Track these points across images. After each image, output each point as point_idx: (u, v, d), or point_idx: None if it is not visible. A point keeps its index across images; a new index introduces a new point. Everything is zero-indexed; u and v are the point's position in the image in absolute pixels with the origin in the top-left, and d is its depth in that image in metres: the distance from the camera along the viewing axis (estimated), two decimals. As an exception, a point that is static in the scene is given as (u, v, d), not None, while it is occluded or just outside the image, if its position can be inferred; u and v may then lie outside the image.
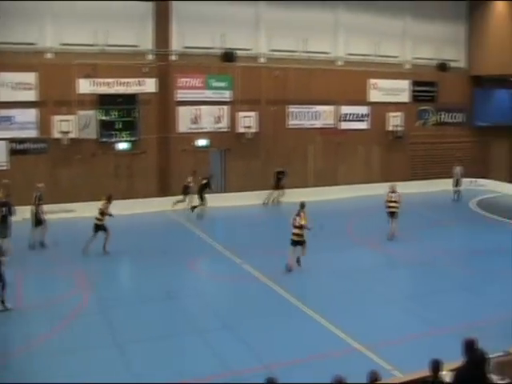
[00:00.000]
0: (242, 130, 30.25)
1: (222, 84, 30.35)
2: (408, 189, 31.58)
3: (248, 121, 30.24)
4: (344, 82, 32.58)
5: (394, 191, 24.10)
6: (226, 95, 30.39)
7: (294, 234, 19.35)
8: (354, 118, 33.37)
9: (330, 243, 22.77)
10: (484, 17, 35.68)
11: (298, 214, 19.44)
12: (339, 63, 33.29)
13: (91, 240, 21.08)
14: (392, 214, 23.81)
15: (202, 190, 27.35)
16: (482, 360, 8.45)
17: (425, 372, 8.93)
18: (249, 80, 30.53)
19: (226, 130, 30.35)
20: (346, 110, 33.12)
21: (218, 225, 26.60)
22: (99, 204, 21.53)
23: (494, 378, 9.77)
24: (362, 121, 33.72)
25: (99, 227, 21.08)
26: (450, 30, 36.29)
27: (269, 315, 15.82)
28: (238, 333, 14.63)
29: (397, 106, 34.55)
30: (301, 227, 19.23)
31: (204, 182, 27.54)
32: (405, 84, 35.17)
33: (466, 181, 34.49)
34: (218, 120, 30.23)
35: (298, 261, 19.49)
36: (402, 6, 34.03)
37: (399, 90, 34.95)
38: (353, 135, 33.09)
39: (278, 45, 31.22)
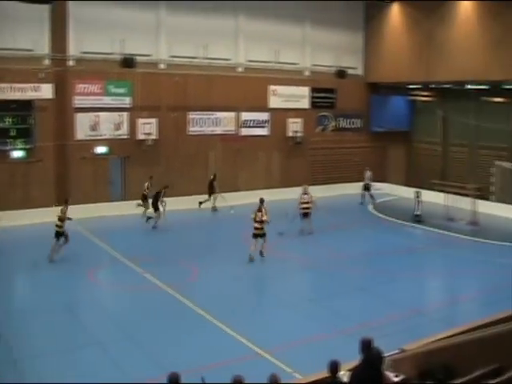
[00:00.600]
0: (142, 137, 29.86)
1: (122, 90, 29.87)
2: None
3: (148, 127, 29.91)
4: (244, 88, 32.79)
5: (306, 193, 25.44)
6: (126, 101, 29.93)
7: (255, 228, 21.38)
8: (254, 124, 33.59)
9: (229, 250, 22.91)
10: (380, 26, 36.78)
11: (260, 210, 21.40)
12: (240, 70, 33.43)
13: (55, 247, 21.15)
14: (305, 215, 25.16)
15: (157, 200, 26.63)
16: (377, 359, 8.61)
17: (324, 373, 9.03)
18: (149, 86, 30.20)
19: (125, 136, 29.84)
20: (246, 116, 33.31)
21: (118, 234, 26.05)
22: (58, 210, 21.59)
23: (389, 375, 10.02)
24: (263, 127, 34.00)
25: (60, 234, 21.21)
26: (349, 38, 37.23)
27: (170, 324, 15.67)
28: (139, 343, 14.43)
29: (297, 112, 35.06)
30: (262, 222, 21.26)
31: (158, 191, 26.86)
32: (304, 90, 35.72)
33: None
34: (118, 127, 29.70)
35: (261, 253, 21.41)
36: (301, 14, 34.69)
37: (299, 97, 35.46)
38: (253, 141, 33.31)
39: (178, 51, 31.05)
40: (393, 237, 26.17)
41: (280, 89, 34.57)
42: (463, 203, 29.23)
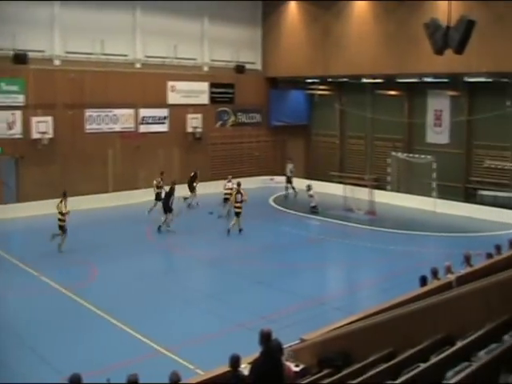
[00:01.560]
0: (37, 136, 28.81)
1: (14, 88, 28.73)
2: (208, 189, 32.14)
3: (43, 126, 28.91)
4: (143, 84, 32.33)
5: (229, 181, 28.51)
6: (19, 99, 28.78)
7: (236, 207, 25.10)
8: (153, 120, 33.16)
9: (129, 249, 22.57)
10: (278, 21, 37.15)
11: (239, 192, 25.20)
12: (137, 66, 32.95)
13: (63, 239, 22.07)
14: (226, 200, 27.98)
15: (169, 200, 25.70)
16: (277, 350, 8.68)
17: (225, 368, 9.06)
18: (43, 83, 29.17)
19: (19, 136, 28.66)
20: (145, 112, 32.82)
21: (13, 237, 25.06)
22: (57, 204, 22.34)
23: (290, 365, 10.15)
24: (162, 123, 33.60)
25: (62, 227, 22.12)
26: (247, 33, 37.50)
27: (68, 327, 15.28)
28: (35, 349, 13.97)
29: (196, 107, 34.89)
30: (241, 202, 24.97)
31: (170, 190, 26.15)
32: (204, 86, 35.60)
33: (265, 179, 35.77)
34: (11, 126, 28.52)
35: (240, 230, 25.04)
36: (199, 9, 34.55)
37: (198, 92, 35.31)
38: (153, 138, 32.84)
39: (73, 47, 30.22)
40: (293, 229, 26.44)
41: (179, 84, 34.32)
42: (361, 194, 29.94)
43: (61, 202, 22.38)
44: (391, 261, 21.74)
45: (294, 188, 33.99)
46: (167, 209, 25.45)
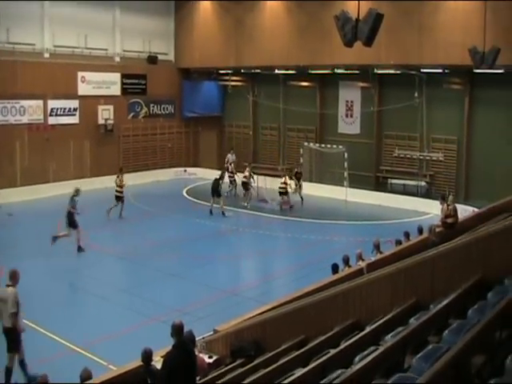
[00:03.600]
0: None
1: None
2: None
3: None
4: (52, 75, 31.31)
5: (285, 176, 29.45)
6: None
7: (281, 187, 28.39)
8: (63, 112, 32.22)
9: (38, 245, 21.86)
10: (190, 12, 36.93)
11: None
12: (46, 55, 31.98)
13: (114, 207, 25.47)
14: (281, 194, 28.72)
15: (217, 185, 27.38)
16: (189, 342, 8.66)
17: (138, 362, 8.99)
18: None
19: None
20: (54, 104, 31.78)
21: None
22: (114, 178, 26.15)
23: (203, 357, 10.16)
24: (72, 115, 32.69)
25: (120, 198, 25.66)
26: (160, 24, 37.17)
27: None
28: None
29: (107, 99, 34.20)
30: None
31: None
32: (115, 77, 34.93)
33: (178, 170, 35.58)
34: None
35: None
36: (110, -2, 33.92)
37: (110, 83, 34.60)
38: (63, 130, 31.82)
39: (-24, 35, 29.08)
40: (206, 221, 26.20)
41: (89, 75, 33.48)
42: (275, 184, 30.14)
43: (117, 177, 25.95)
44: (304, 250, 22.01)
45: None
46: (216, 193, 27.15)
